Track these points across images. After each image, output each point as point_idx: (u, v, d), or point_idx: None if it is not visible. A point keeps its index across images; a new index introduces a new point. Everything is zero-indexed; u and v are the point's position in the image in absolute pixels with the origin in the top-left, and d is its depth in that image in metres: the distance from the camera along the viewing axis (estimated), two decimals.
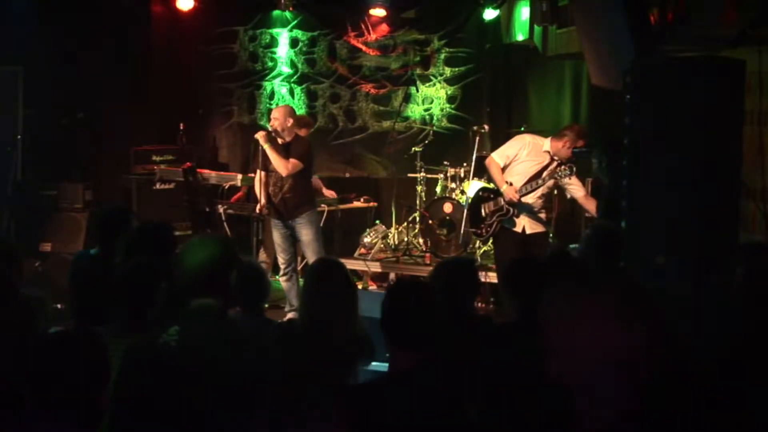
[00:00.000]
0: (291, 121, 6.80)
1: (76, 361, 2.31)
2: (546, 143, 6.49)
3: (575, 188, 6.52)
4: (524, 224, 6.57)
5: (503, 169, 6.55)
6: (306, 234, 6.86)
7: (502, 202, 6.53)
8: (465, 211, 7.33)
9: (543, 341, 1.73)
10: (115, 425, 2.61)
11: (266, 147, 6.64)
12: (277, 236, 6.97)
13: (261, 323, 3.78)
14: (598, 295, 1.74)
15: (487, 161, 6.68)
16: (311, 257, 6.86)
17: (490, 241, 7.93)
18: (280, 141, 6.78)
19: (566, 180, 6.40)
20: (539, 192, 6.53)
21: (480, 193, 6.94)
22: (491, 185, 7.15)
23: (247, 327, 3.75)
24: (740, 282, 3.15)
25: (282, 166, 6.68)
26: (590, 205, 6.52)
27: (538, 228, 6.63)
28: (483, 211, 6.74)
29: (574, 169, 6.27)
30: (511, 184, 6.46)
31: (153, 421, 2.58)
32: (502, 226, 6.60)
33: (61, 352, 2.34)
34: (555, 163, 6.43)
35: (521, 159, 6.51)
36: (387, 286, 6.53)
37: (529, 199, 6.50)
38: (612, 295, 1.73)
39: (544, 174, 6.44)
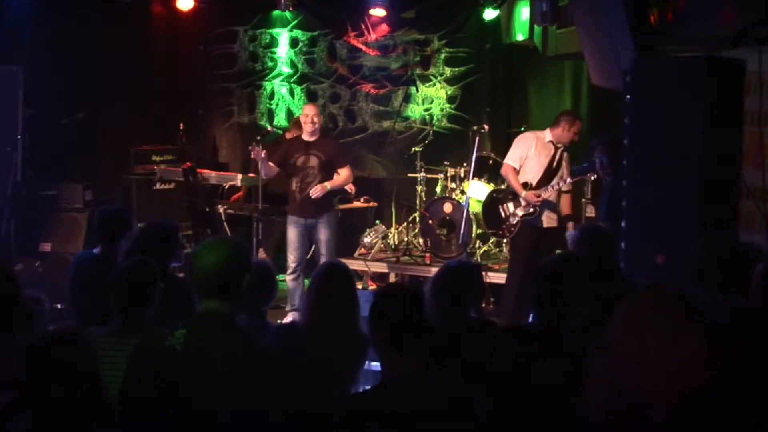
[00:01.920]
0: (321, 117, 7.15)
1: (62, 362, 2.32)
2: (547, 134, 6.66)
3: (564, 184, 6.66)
4: (543, 219, 6.66)
5: (519, 169, 6.69)
6: (325, 233, 6.96)
7: (526, 201, 6.59)
8: (465, 210, 7.33)
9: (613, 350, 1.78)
10: (122, 425, 2.62)
11: (329, 185, 6.88)
12: (292, 233, 6.98)
13: (260, 326, 3.77)
14: (662, 306, 1.79)
15: (503, 169, 6.83)
16: (326, 257, 6.89)
17: (491, 240, 7.94)
18: (306, 138, 6.87)
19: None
20: (557, 187, 6.60)
21: (494, 195, 7.00)
22: (502, 186, 7.21)
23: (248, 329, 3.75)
24: (758, 281, 3.13)
25: (346, 180, 7.12)
26: (564, 202, 6.68)
27: (553, 223, 6.69)
28: (502, 212, 6.79)
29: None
30: (532, 187, 6.52)
31: (158, 422, 2.58)
32: (523, 223, 6.66)
33: (48, 352, 2.35)
34: (561, 150, 6.60)
35: (532, 155, 6.64)
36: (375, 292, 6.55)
37: (546, 193, 6.60)
38: (672, 308, 1.78)
39: (561, 170, 6.62)
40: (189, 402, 2.55)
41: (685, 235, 4.55)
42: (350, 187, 8.01)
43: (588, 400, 1.82)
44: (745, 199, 5.44)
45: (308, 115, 6.89)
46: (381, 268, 8.19)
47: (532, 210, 6.61)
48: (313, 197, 6.81)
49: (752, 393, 2.50)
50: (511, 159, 6.72)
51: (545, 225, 6.67)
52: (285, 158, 6.93)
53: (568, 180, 6.61)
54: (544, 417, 2.90)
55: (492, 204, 6.93)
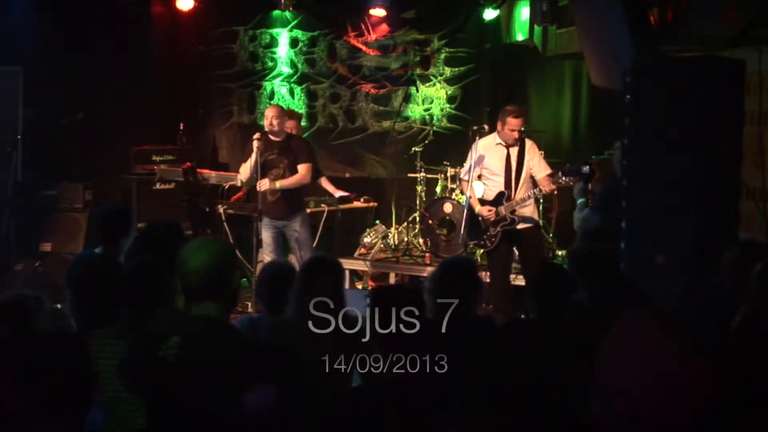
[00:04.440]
0: (284, 119, 7.06)
1: (56, 362, 2.33)
2: (495, 137, 6.67)
3: (537, 167, 6.61)
4: (519, 219, 6.67)
5: (480, 177, 6.74)
6: (299, 234, 6.98)
7: (503, 212, 6.58)
8: (465, 210, 7.33)
9: (599, 377, 1.74)
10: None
11: (278, 184, 6.85)
12: (266, 235, 7.01)
13: (279, 322, 3.78)
14: (656, 330, 1.74)
15: (461, 184, 6.89)
16: (306, 257, 6.90)
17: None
18: (275, 138, 6.90)
19: (530, 159, 6.58)
20: (522, 184, 6.58)
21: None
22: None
23: (267, 327, 3.75)
24: (755, 281, 3.13)
25: (301, 179, 6.94)
26: (545, 184, 6.57)
27: (527, 217, 6.64)
28: (482, 222, 6.77)
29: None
30: (508, 197, 6.53)
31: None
32: (503, 232, 6.66)
33: (42, 352, 2.36)
34: (513, 147, 6.57)
35: (483, 164, 6.67)
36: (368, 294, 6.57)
37: (520, 194, 6.57)
38: (671, 333, 1.74)
39: (516, 164, 6.59)
40: (186, 410, 2.52)
41: (685, 235, 4.55)
42: (332, 189, 8.07)
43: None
44: (745, 199, 5.45)
45: (268, 117, 6.96)
46: (381, 268, 8.19)
47: (508, 220, 6.61)
48: (258, 189, 6.82)
49: (752, 392, 2.51)
50: (462, 174, 6.81)
51: (519, 227, 6.64)
52: (264, 168, 6.95)
53: (545, 189, 6.51)
54: (544, 414, 2.90)
55: (472, 215, 6.89)
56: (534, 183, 6.67)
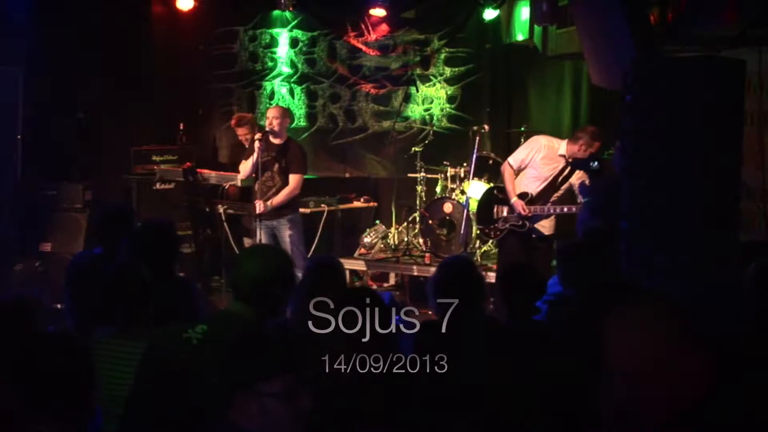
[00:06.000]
0: (285, 120, 7.00)
1: (57, 363, 2.33)
2: (562, 146, 6.51)
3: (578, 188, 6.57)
4: (537, 228, 6.61)
5: (519, 172, 6.61)
6: (290, 236, 6.96)
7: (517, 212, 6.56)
8: (465, 210, 7.34)
9: (606, 361, 1.74)
10: (129, 417, 2.63)
11: (270, 204, 6.84)
12: (263, 236, 7.03)
13: (280, 324, 3.77)
14: (662, 317, 1.75)
15: (503, 167, 6.78)
16: (297, 260, 6.90)
17: (491, 241, 7.94)
18: (274, 140, 6.89)
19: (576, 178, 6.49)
20: (551, 199, 6.52)
21: (494, 192, 6.94)
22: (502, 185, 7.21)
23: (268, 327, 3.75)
24: (752, 281, 3.13)
25: (290, 193, 6.89)
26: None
27: (546, 231, 6.62)
28: (496, 212, 6.73)
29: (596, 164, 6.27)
30: (525, 196, 6.46)
31: (163, 417, 2.60)
32: (510, 231, 6.62)
33: (42, 354, 2.37)
34: (569, 169, 6.46)
35: (535, 162, 6.54)
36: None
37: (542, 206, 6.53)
38: (674, 318, 1.74)
39: (564, 189, 6.52)
40: (195, 395, 2.55)
41: (685, 235, 4.55)
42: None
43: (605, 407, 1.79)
44: (745, 199, 5.45)
45: (268, 117, 6.98)
46: (381, 268, 8.20)
47: (521, 223, 6.56)
48: (255, 213, 6.86)
49: (749, 392, 2.51)
50: (512, 158, 6.67)
51: (534, 235, 6.61)
52: (251, 155, 6.98)
53: (574, 209, 6.42)
54: (545, 413, 2.90)
55: (488, 200, 6.86)
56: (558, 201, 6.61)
